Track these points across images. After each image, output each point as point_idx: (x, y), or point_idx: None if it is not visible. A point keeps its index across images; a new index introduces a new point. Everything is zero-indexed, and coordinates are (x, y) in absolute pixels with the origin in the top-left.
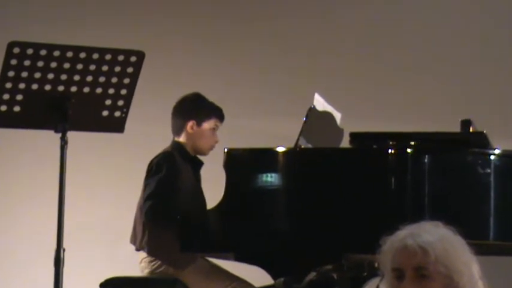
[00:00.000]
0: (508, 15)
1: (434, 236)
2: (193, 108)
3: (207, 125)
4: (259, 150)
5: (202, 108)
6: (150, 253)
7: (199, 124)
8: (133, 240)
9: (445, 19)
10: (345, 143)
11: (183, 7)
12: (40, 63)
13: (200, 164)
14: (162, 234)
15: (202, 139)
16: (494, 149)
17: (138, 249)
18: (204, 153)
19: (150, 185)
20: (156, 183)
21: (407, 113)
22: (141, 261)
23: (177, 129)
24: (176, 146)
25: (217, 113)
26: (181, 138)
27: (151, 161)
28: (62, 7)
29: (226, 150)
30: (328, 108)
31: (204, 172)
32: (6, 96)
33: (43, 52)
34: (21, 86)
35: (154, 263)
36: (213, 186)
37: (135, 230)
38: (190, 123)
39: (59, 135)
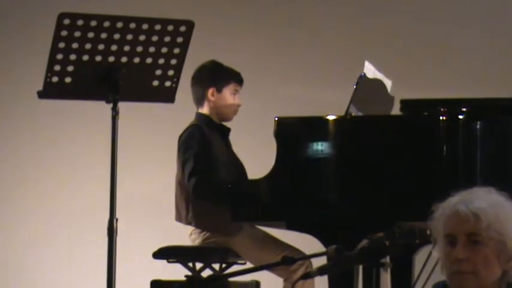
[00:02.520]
0: None
1: (486, 201)
2: (211, 75)
3: (227, 90)
4: (309, 119)
5: (220, 74)
6: (198, 226)
7: (219, 90)
8: (178, 218)
9: None
10: (396, 110)
11: None
12: (90, 34)
13: (228, 130)
14: (207, 206)
15: (224, 105)
16: None
17: (186, 224)
18: (229, 119)
19: (189, 161)
20: (193, 159)
21: (459, 79)
22: (191, 234)
23: (199, 99)
24: (201, 118)
25: (236, 77)
26: (205, 109)
27: (180, 137)
28: None
29: (276, 119)
30: (378, 75)
31: (241, 140)
32: (57, 68)
33: (93, 23)
34: (72, 57)
35: (204, 232)
36: (260, 154)
37: (178, 208)
38: (210, 91)
39: (110, 105)
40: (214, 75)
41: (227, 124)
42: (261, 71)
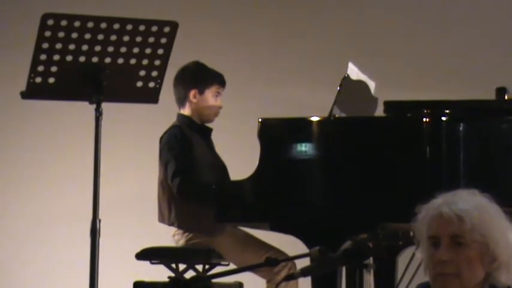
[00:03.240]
0: None
1: (470, 204)
2: (194, 76)
3: (209, 92)
4: (293, 120)
5: (202, 76)
6: (180, 227)
7: (201, 92)
8: (161, 219)
9: None
10: (379, 111)
11: None
12: (74, 35)
13: (209, 131)
14: (189, 206)
15: (206, 106)
16: None
17: (169, 225)
18: (210, 120)
19: (171, 162)
20: (175, 159)
21: (442, 81)
22: (174, 235)
23: (181, 100)
24: (182, 119)
25: (218, 79)
26: (186, 110)
27: (161, 138)
28: None
29: (260, 120)
30: (362, 77)
31: (233, 141)
32: (40, 68)
33: (77, 24)
34: (56, 57)
35: (187, 233)
36: (243, 156)
37: (161, 208)
38: (192, 92)
39: (94, 106)
40: (197, 77)
41: (209, 125)
42: (245, 72)
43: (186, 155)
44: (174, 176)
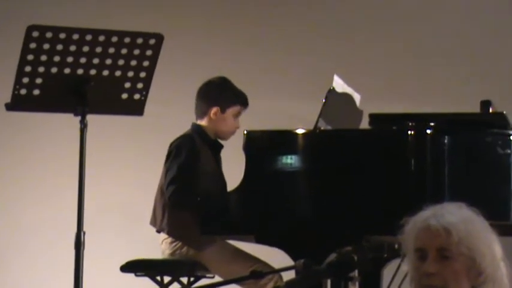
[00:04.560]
0: None
1: (457, 217)
2: (219, 94)
3: (231, 111)
4: (278, 132)
5: (227, 94)
6: (170, 234)
7: (223, 111)
8: (153, 222)
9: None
10: (364, 124)
11: None
12: (59, 47)
13: (220, 146)
14: (182, 216)
15: (224, 125)
16: None
17: (158, 231)
18: (224, 138)
19: (172, 169)
20: (177, 167)
21: (427, 94)
22: (162, 243)
23: (201, 113)
24: (196, 129)
25: (242, 100)
26: (203, 122)
27: (171, 144)
28: None
29: (245, 132)
30: (347, 89)
31: (224, 155)
32: (25, 80)
33: (62, 35)
34: (41, 69)
35: (175, 244)
36: (233, 169)
37: (155, 212)
38: (214, 110)
39: (79, 118)
40: (222, 95)
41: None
42: None
43: (190, 166)
44: (170, 183)
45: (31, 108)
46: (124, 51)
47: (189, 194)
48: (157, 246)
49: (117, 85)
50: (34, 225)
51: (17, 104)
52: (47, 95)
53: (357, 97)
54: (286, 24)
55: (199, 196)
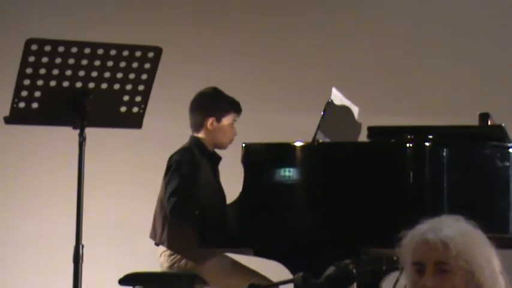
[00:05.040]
0: None
1: (455, 230)
2: (212, 104)
3: (226, 120)
4: (277, 145)
5: (220, 104)
6: (170, 247)
7: (218, 120)
8: (153, 235)
9: (463, 11)
10: (363, 137)
11: (200, 1)
12: (58, 60)
13: (218, 159)
14: (182, 229)
15: (222, 134)
16: None
17: (157, 244)
18: (223, 147)
19: (173, 182)
20: (178, 180)
21: (425, 107)
22: (160, 255)
23: (197, 126)
24: (195, 142)
25: (236, 107)
26: (201, 134)
27: (171, 157)
28: (80, 4)
29: (244, 145)
30: (346, 102)
31: (222, 167)
32: (24, 93)
33: (61, 49)
34: (39, 82)
35: (173, 257)
36: (232, 181)
37: (155, 225)
38: (210, 120)
39: (77, 131)
40: (215, 104)
41: (219, 153)
42: None
43: (191, 179)
44: (172, 196)
45: (30, 122)
46: (123, 64)
47: (191, 207)
48: (156, 259)
49: (115, 98)
50: (32, 238)
51: (16, 117)
52: (46, 108)
53: (355, 110)
54: (285, 37)
55: (200, 209)
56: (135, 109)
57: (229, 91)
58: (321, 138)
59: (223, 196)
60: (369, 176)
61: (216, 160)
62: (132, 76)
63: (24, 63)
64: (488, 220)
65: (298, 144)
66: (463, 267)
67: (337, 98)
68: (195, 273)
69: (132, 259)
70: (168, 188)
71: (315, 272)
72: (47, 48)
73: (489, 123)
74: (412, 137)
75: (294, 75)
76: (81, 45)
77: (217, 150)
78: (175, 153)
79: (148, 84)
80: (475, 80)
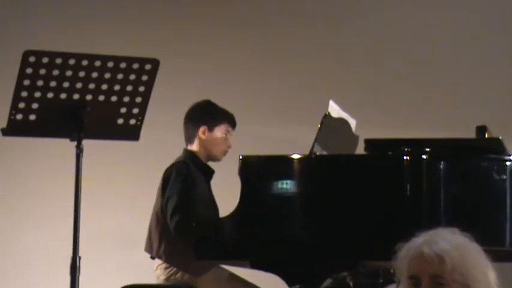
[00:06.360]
0: None
1: (450, 243)
2: (205, 114)
3: (219, 130)
4: (274, 158)
5: (213, 113)
6: (168, 261)
7: (211, 129)
8: (148, 249)
9: (458, 25)
10: (360, 149)
11: (197, 14)
12: (55, 72)
13: (211, 172)
14: (180, 243)
15: (214, 145)
16: (510, 155)
17: (153, 258)
18: (217, 159)
19: (173, 198)
20: (178, 195)
21: (423, 120)
22: (156, 268)
23: (190, 136)
24: (189, 155)
25: (229, 118)
26: (194, 146)
27: (166, 171)
28: (77, 16)
29: (241, 157)
30: (343, 114)
31: (217, 179)
32: (21, 105)
33: (58, 61)
34: (37, 94)
35: (170, 269)
36: (225, 193)
37: (151, 239)
38: (202, 129)
39: (75, 143)
40: (207, 114)
41: (212, 166)
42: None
43: (188, 193)
44: (174, 213)
45: (27, 133)
46: (120, 76)
47: (193, 222)
48: (152, 271)
49: (113, 110)
50: (29, 249)
51: (13, 129)
52: (43, 120)
53: (352, 122)
54: (282, 49)
55: (196, 221)
56: (133, 121)
57: (226, 103)
58: (318, 151)
59: (216, 208)
60: (366, 189)
61: (208, 173)
62: (129, 88)
63: (21, 75)
64: (485, 233)
65: (295, 156)
66: (458, 281)
67: (335, 110)
68: (192, 285)
69: (129, 271)
70: (168, 204)
71: (312, 285)
72: (45, 60)
73: (486, 136)
74: (409, 149)
75: (291, 88)
76: (78, 57)
77: (211, 163)
78: (170, 166)
79: (146, 96)
80: (473, 93)
